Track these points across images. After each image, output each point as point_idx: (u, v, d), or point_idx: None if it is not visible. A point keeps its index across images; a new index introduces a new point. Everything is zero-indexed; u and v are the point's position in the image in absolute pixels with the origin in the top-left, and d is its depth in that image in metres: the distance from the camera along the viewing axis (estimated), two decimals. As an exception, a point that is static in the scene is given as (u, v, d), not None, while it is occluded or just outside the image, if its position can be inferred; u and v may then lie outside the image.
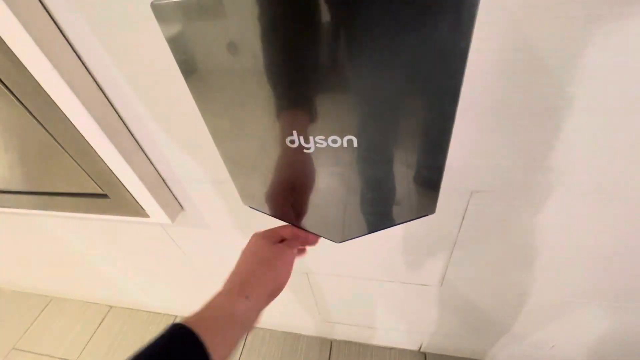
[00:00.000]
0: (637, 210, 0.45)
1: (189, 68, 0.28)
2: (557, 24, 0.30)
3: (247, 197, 0.41)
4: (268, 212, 0.41)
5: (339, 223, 0.41)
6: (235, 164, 0.37)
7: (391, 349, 1.06)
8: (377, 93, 0.27)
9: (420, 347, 1.02)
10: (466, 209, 0.51)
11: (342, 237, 0.42)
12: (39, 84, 0.43)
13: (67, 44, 0.41)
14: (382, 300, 0.84)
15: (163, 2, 0.24)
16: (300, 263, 0.69)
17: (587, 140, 0.38)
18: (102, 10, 0.37)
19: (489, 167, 0.44)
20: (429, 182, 0.33)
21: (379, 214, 0.38)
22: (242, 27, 0.25)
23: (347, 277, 0.76)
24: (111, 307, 1.36)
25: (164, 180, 0.60)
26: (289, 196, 0.39)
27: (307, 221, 0.41)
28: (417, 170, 0.32)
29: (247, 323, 0.33)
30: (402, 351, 1.05)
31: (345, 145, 0.31)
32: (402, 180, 0.33)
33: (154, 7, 0.24)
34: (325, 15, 0.23)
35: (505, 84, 0.35)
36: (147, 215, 0.63)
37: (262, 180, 0.37)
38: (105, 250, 0.93)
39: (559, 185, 0.44)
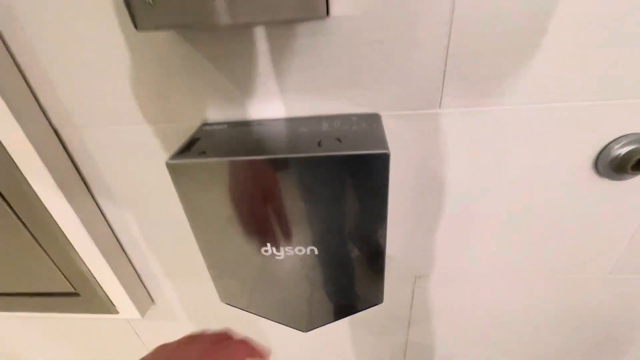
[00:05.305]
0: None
1: (191, 207, 0.38)
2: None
3: (226, 296, 0.47)
4: (246, 309, 0.47)
5: (306, 314, 0.47)
6: (218, 270, 0.44)
7: None
8: (329, 219, 0.37)
9: None
10: (413, 291, 0.60)
11: (307, 326, 0.48)
12: (31, 188, 0.46)
13: (63, 149, 0.47)
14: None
15: (176, 162, 0.34)
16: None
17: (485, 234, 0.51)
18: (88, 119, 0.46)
19: (423, 257, 0.55)
20: (374, 279, 0.42)
21: (337, 306, 0.46)
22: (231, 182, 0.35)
23: (315, 363, 0.78)
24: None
25: (139, 275, 0.63)
26: (265, 294, 0.45)
27: (278, 313, 0.48)
28: (363, 270, 0.42)
29: None
30: None
31: (308, 253, 0.40)
32: (353, 277, 0.43)
33: (169, 166, 0.34)
34: (285, 179, 0.34)
35: (419, 198, 0.47)
36: (116, 312, 0.64)
37: (241, 282, 0.45)
38: (58, 353, 0.86)
39: (478, 269, 0.55)
